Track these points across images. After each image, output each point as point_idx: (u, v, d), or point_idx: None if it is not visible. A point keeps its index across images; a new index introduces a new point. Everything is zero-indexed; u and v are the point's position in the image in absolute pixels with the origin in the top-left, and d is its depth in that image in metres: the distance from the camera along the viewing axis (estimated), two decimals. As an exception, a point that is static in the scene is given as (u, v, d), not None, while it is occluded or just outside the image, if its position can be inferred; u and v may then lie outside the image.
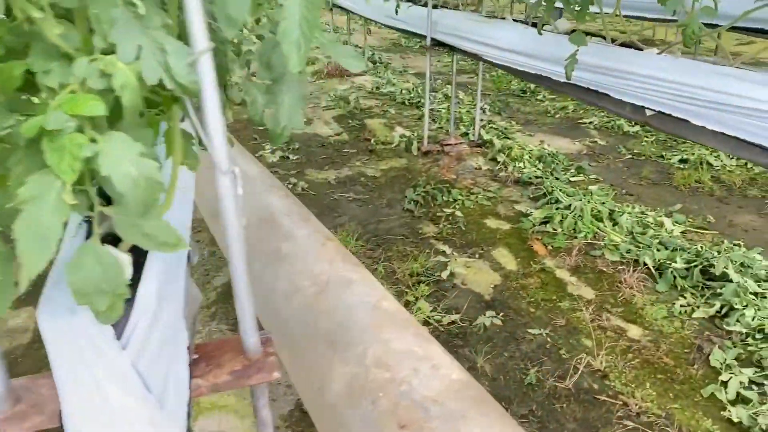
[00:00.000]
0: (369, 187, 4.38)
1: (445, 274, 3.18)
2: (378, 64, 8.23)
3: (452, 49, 4.37)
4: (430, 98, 6.26)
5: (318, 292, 2.05)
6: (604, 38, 3.00)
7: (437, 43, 4.55)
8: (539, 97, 6.53)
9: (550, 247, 3.37)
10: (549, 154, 4.65)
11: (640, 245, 3.24)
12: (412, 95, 6.58)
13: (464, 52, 4.20)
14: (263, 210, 2.74)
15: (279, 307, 2.14)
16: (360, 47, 8.81)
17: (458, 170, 4.57)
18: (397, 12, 4.88)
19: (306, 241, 2.41)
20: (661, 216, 3.63)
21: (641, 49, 2.77)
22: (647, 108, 2.55)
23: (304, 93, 1.15)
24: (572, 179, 4.29)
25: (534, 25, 3.66)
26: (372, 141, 5.29)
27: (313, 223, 2.62)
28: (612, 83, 2.73)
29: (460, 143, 4.95)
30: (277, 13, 0.95)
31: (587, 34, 3.42)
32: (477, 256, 3.36)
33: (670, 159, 4.65)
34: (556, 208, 3.69)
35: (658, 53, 2.63)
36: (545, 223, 3.61)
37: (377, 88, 7.08)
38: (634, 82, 2.60)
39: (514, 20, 3.88)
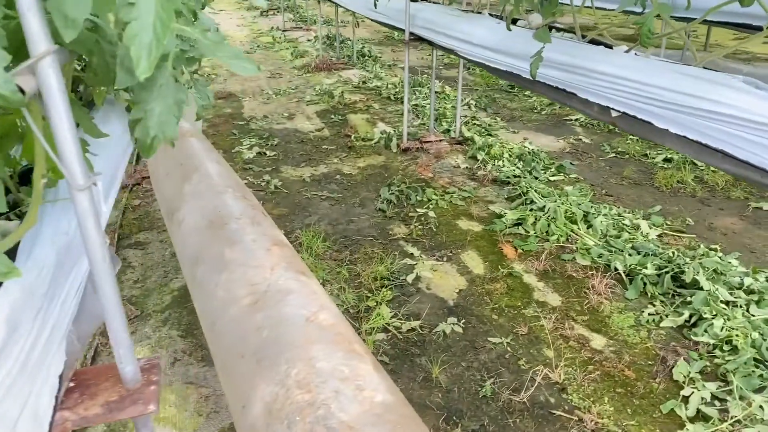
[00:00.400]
0: (344, 185, 4.27)
1: (410, 278, 3.08)
2: (367, 57, 8.10)
3: (430, 44, 4.25)
4: (415, 94, 6.16)
5: (252, 302, 1.95)
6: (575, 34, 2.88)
7: (417, 38, 4.43)
8: (527, 93, 6.40)
9: (520, 251, 3.27)
10: (529, 153, 4.54)
11: (613, 249, 3.13)
12: (397, 90, 6.47)
13: (441, 48, 4.08)
14: (214, 212, 2.63)
15: (215, 319, 2.04)
16: (350, 40, 8.68)
17: (436, 168, 4.46)
18: (375, 5, 4.76)
19: (251, 246, 2.30)
20: (638, 218, 3.52)
21: (611, 47, 2.65)
22: (612, 109, 2.44)
23: (180, 99, 1.05)
24: (552, 178, 4.18)
25: (513, 20, 3.53)
26: (352, 137, 5.18)
27: (264, 226, 2.52)
28: (579, 82, 2.62)
29: (440, 140, 4.83)
30: (126, 13, 0.84)
31: (560, 29, 3.31)
32: (445, 259, 3.26)
33: (653, 158, 4.53)
34: (530, 210, 3.58)
35: (626, 51, 2.52)
36: (518, 224, 3.51)
37: (364, 82, 6.96)
38: (599, 82, 2.49)
39: (491, 15, 3.76)
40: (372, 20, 5.54)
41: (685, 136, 2.10)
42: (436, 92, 6.35)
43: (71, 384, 1.15)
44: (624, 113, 2.38)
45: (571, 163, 4.46)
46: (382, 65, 7.83)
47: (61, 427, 1.06)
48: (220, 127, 5.60)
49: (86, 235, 0.97)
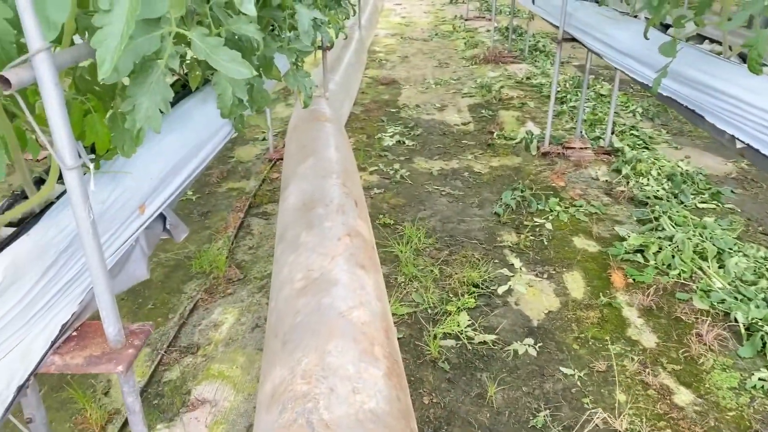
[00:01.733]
0: (469, 183, 4.21)
1: (501, 290, 2.98)
2: (539, 52, 7.78)
3: (583, 44, 3.98)
4: (577, 95, 5.80)
5: (302, 287, 2.05)
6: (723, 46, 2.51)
7: (571, 38, 4.18)
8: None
9: (631, 280, 2.97)
10: (683, 173, 4.06)
11: (740, 297, 2.72)
12: (560, 89, 6.14)
13: (589, 49, 3.81)
14: (310, 195, 2.79)
15: (275, 295, 2.18)
16: (524, 31, 8.41)
17: (571, 177, 4.19)
18: (533, 2, 4.56)
19: (326, 232, 2.41)
20: (791, 266, 3.00)
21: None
22: (737, 138, 2.11)
23: (167, 96, 1.15)
24: (701, 205, 3.71)
25: (665, 26, 3.18)
26: (495, 134, 5.07)
27: (347, 215, 2.61)
28: (708, 103, 2.30)
29: (585, 148, 4.52)
30: (99, 19, 0.96)
31: (714, 41, 2.91)
32: (545, 276, 3.08)
33: (843, 197, 3.79)
34: (657, 237, 3.23)
35: (770, 72, 2.14)
36: (640, 251, 3.18)
37: (528, 78, 6.72)
38: (727, 105, 2.16)
39: (647, 18, 3.40)
40: (536, 14, 5.31)
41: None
42: (601, 95, 5.93)
43: (74, 333, 1.33)
44: (748, 145, 2.04)
45: (731, 191, 3.91)
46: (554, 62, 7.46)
47: (46, 368, 1.23)
48: (372, 112, 5.81)
49: (75, 208, 1.10)
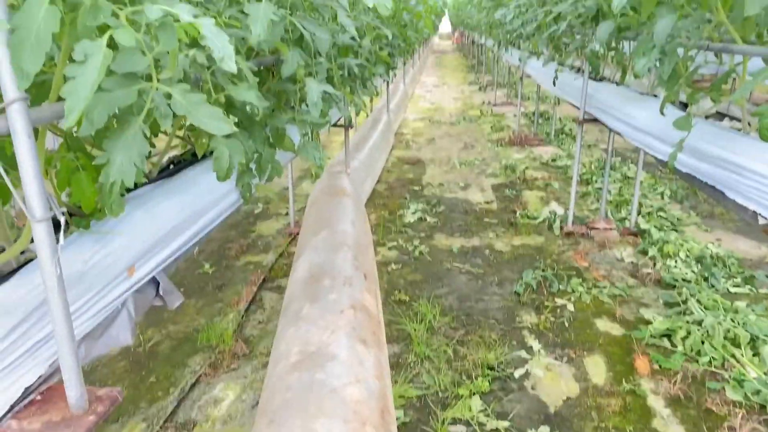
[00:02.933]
0: (489, 261, 4.12)
1: (518, 373, 2.82)
2: (565, 135, 7.83)
3: (604, 124, 3.97)
4: (603, 176, 5.75)
5: (297, 362, 1.96)
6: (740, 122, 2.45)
7: (592, 119, 4.18)
8: (741, 188, 5.54)
9: (657, 366, 2.78)
10: (713, 255, 3.89)
11: (778, 388, 2.50)
12: (585, 171, 6.10)
13: (610, 129, 3.78)
14: (318, 267, 2.74)
15: (270, 371, 2.09)
16: (551, 116, 8.50)
17: (595, 258, 4.06)
18: (554, 83, 4.61)
19: (329, 305, 2.34)
20: (834, 356, 2.77)
21: None
22: (760, 215, 2.00)
23: (143, 152, 1.13)
24: (733, 290, 3.51)
25: (683, 104, 3.15)
26: (518, 213, 5.00)
27: (354, 288, 2.54)
28: (727, 179, 2.21)
29: (610, 228, 4.41)
30: (72, 70, 0.96)
31: (725, 116, 2.86)
32: (565, 359, 2.91)
33: None
34: (686, 321, 3.05)
35: (793, 147, 2.06)
36: (667, 336, 3.00)
37: (553, 159, 6.71)
38: (748, 181, 2.07)
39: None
40: (557, 95, 5.36)
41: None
42: (628, 177, 5.86)
43: (38, 396, 1.27)
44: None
45: (766, 276, 3.72)
46: (582, 145, 7.47)
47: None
48: (396, 189, 5.84)
49: (41, 262, 1.07)
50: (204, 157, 2.11)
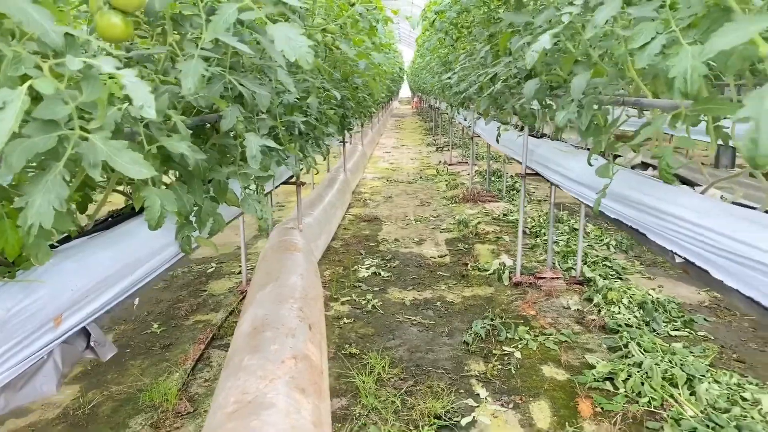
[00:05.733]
0: (440, 312, 4.16)
1: (464, 421, 2.82)
2: (515, 191, 8.08)
3: (544, 177, 4.15)
4: (552, 228, 5.93)
5: (233, 411, 1.95)
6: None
7: (534, 172, 4.37)
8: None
9: (599, 409, 2.83)
10: (654, 301, 4.03)
11: (711, 425, 2.57)
12: (534, 224, 6.29)
13: (549, 182, 3.96)
14: (262, 320, 2.75)
15: (207, 423, 2.07)
16: (503, 173, 8.78)
17: (542, 307, 4.15)
18: (498, 141, 4.83)
19: (270, 356, 2.34)
20: (766, 392, 2.87)
21: (691, 183, 2.37)
22: (675, 253, 2.13)
23: (62, 195, 1.17)
24: (673, 333, 3.63)
25: (615, 156, 3.34)
26: (469, 266, 5.10)
27: (297, 339, 2.55)
28: (649, 222, 2.35)
29: (557, 278, 4.53)
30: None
31: (649, 165, 3.04)
32: (511, 405, 2.94)
33: (817, 324, 3.73)
34: (627, 364, 3.13)
35: (702, 189, 2.22)
36: (609, 379, 3.07)
37: (504, 214, 6.90)
38: (666, 223, 2.21)
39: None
40: (502, 151, 5.59)
41: (739, 291, 1.74)
42: (575, 229, 6.05)
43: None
44: (686, 259, 2.05)
45: (705, 319, 3.85)
46: (531, 200, 7.73)
47: None
48: (352, 246, 5.90)
49: None
50: (142, 210, 2.15)
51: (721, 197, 2.15)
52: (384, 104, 19.39)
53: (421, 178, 10.00)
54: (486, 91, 4.30)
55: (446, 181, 9.45)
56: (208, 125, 2.47)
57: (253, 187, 2.80)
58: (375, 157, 12.94)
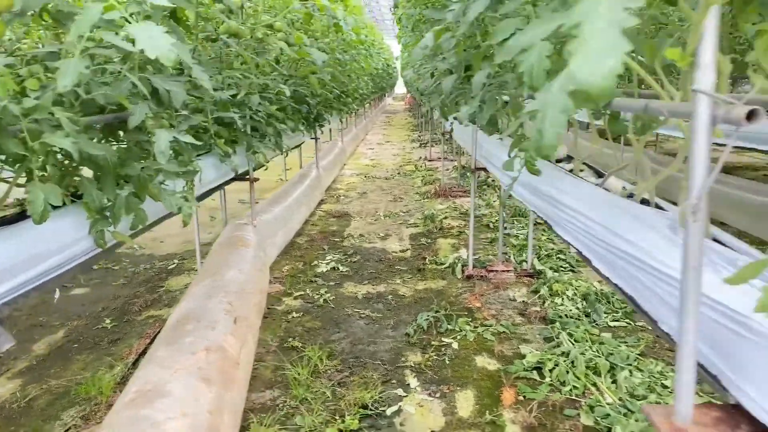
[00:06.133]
0: (390, 306, 4.22)
1: (391, 410, 2.88)
2: (487, 186, 8.13)
3: (487, 171, 4.21)
4: (514, 223, 5.99)
5: (131, 399, 2.01)
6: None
7: (482, 167, 4.42)
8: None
9: (522, 398, 2.89)
10: (598, 293, 4.09)
11: (624, 412, 2.63)
12: (497, 218, 6.34)
13: (492, 175, 4.02)
14: (187, 313, 2.81)
15: (113, 408, 2.13)
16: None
17: (489, 299, 4.21)
18: (452, 135, 4.88)
19: (183, 347, 2.40)
20: (687, 380, 2.92)
21: (601, 175, 2.43)
22: (568, 243, 2.19)
23: None
24: (612, 324, 3.69)
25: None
26: (427, 260, 5.16)
27: (217, 332, 2.61)
28: (552, 213, 2.41)
29: (507, 270, 4.59)
30: None
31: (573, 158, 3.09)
32: (438, 395, 3.00)
33: (754, 313, 3.78)
34: (556, 354, 3.19)
35: (598, 180, 2.28)
36: (537, 369, 3.13)
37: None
38: (563, 214, 2.27)
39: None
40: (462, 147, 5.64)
41: (609, 278, 1.80)
42: (538, 223, 6.10)
43: None
44: (577, 249, 2.11)
45: (646, 309, 3.91)
46: (500, 194, 7.78)
47: None
48: (316, 242, 5.95)
49: None
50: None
51: (623, 188, 2.21)
52: (373, 101, 19.42)
53: (399, 174, 10.05)
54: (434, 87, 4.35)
55: (423, 176, 9.50)
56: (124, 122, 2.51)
57: (180, 182, 2.85)
58: (358, 153, 12.99)
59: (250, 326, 2.99)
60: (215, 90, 3.41)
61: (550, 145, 1.10)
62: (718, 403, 1.34)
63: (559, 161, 3.16)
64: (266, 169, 5.54)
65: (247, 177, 4.42)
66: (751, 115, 0.98)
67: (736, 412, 1.24)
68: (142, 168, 2.44)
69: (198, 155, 3.54)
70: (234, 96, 3.29)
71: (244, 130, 3.99)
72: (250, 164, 4.36)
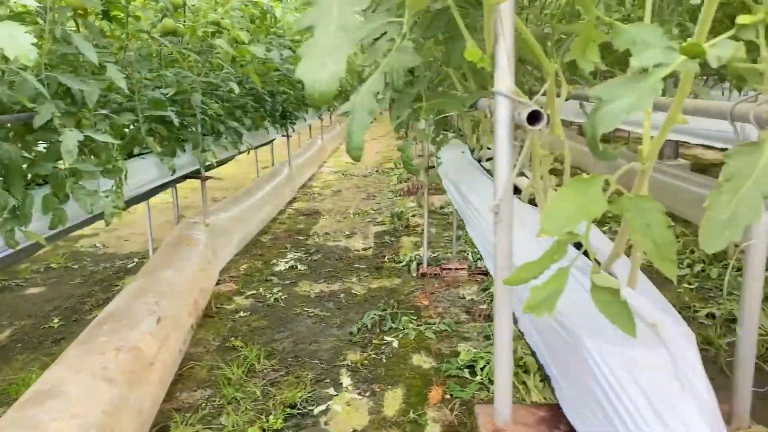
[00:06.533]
0: (341, 305, 4.22)
1: (318, 410, 2.88)
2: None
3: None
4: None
5: (25, 401, 2.00)
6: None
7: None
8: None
9: (448, 396, 2.89)
10: (546, 290, 4.07)
11: (544, 410, 2.62)
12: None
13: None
14: (110, 312, 2.80)
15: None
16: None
17: (439, 297, 4.21)
18: (407, 134, 4.86)
19: (95, 347, 2.40)
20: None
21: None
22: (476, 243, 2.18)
23: None
24: (556, 321, 3.68)
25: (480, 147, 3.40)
26: (386, 258, 5.15)
27: (136, 331, 2.60)
28: (466, 214, 2.40)
29: (461, 268, 4.59)
30: None
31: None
32: (368, 394, 3.00)
33: (698, 311, 3.79)
34: (490, 352, 3.18)
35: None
36: (470, 367, 3.12)
37: (441, 207, 6.96)
38: (469, 212, 2.26)
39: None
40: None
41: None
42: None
43: None
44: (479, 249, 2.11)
45: (593, 307, 3.90)
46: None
47: None
48: (280, 240, 5.95)
49: None
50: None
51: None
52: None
53: (377, 171, 10.04)
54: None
55: (399, 174, 9.49)
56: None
57: (109, 181, 2.84)
58: (341, 150, 12.97)
59: (179, 326, 2.98)
60: (153, 90, 3.40)
61: (357, 147, 1.10)
62: (551, 403, 1.34)
63: (489, 159, 3.16)
64: (207, 167, 5.53)
65: (199, 176, 4.41)
66: (532, 117, 0.98)
67: (560, 411, 1.24)
68: (54, 167, 2.43)
69: (140, 154, 3.53)
70: (165, 95, 3.27)
71: (191, 129, 3.98)
72: (169, 162, 4.33)
